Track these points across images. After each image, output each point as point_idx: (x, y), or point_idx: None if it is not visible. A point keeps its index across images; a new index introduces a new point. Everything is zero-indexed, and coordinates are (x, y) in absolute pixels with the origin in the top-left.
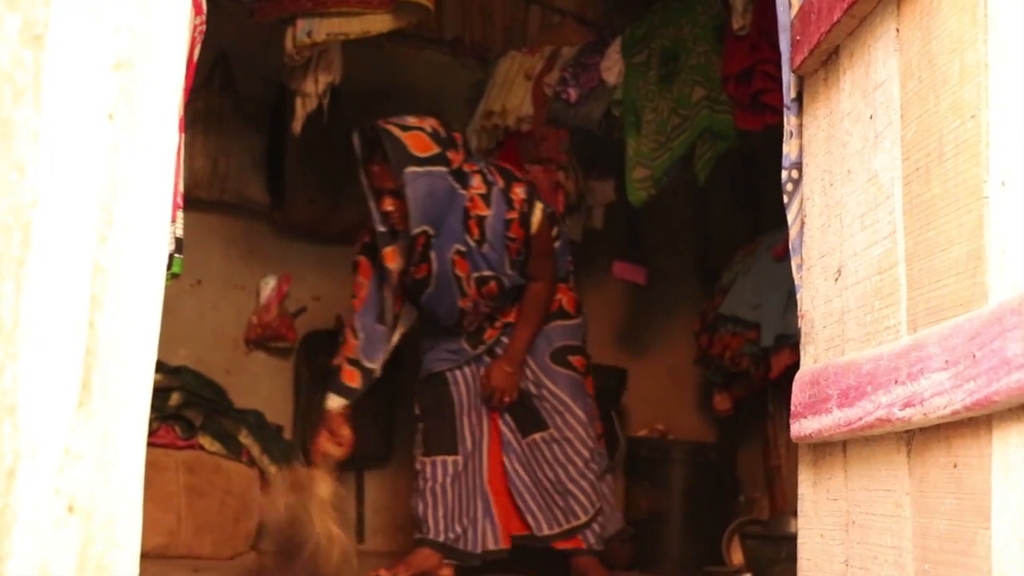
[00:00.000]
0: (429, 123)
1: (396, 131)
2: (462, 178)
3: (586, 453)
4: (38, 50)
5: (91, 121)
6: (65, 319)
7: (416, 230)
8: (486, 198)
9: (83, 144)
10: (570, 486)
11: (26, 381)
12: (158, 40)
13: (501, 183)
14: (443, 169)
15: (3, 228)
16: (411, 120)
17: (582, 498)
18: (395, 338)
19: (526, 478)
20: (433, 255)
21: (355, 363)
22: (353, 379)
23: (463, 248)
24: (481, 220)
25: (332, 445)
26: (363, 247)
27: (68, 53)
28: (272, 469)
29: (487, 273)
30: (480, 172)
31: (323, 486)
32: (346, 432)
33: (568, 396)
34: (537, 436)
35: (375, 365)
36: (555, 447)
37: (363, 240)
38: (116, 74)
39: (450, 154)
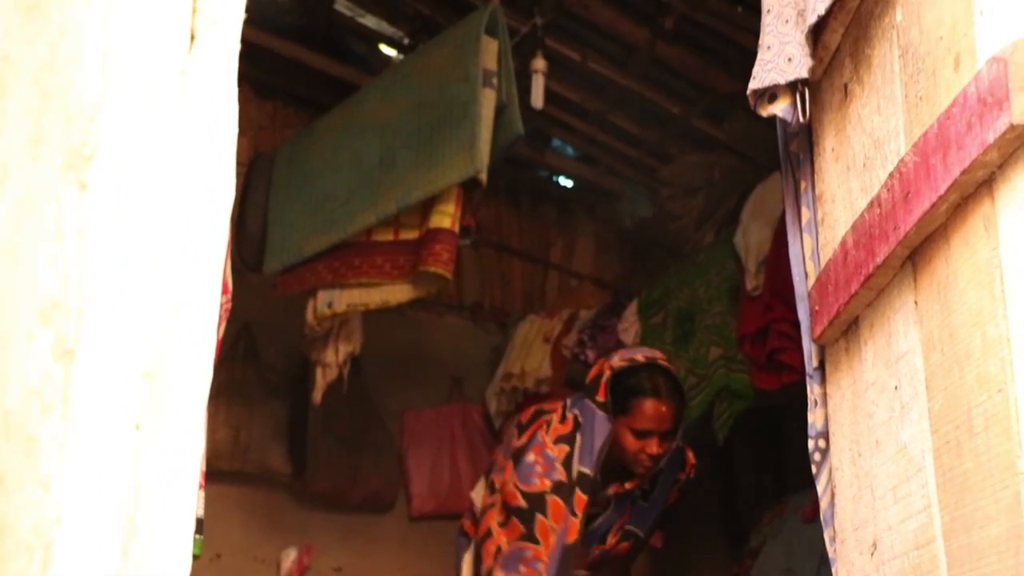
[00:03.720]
0: None
1: (672, 371)
2: None
3: None
4: (68, 364)
5: (118, 432)
6: None
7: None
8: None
9: (109, 455)
10: None
11: None
12: (187, 346)
13: (679, 441)
14: None
15: (25, 548)
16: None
17: None
18: None
19: None
20: (609, 487)
21: None
22: None
23: (636, 495)
24: (657, 474)
25: None
26: (555, 485)
27: (98, 366)
28: None
29: (634, 529)
30: None
31: None
32: None
33: None
34: None
35: None
36: None
37: (553, 476)
38: (144, 383)
39: None
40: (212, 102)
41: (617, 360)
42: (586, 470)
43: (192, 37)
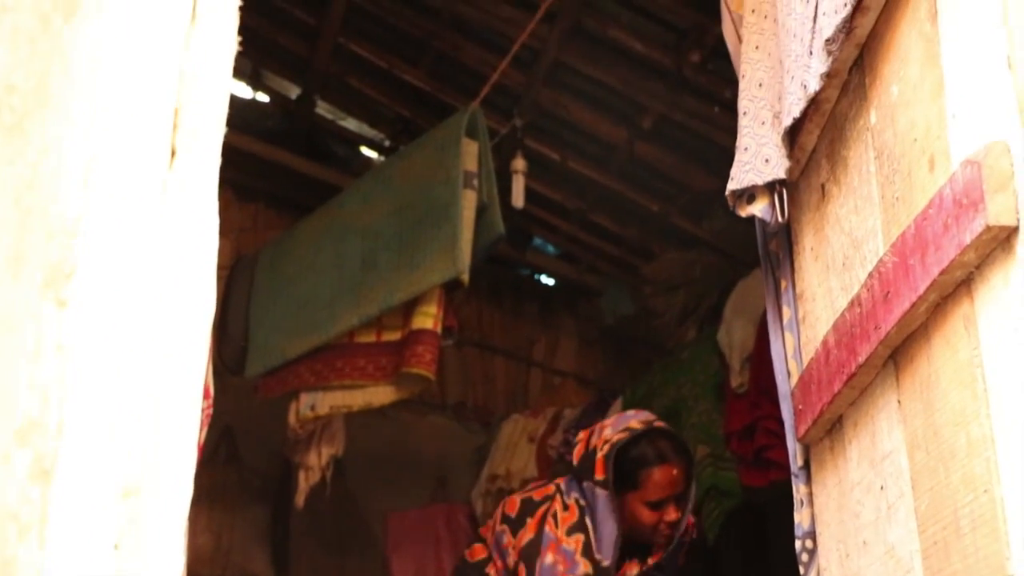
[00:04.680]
0: None
1: (671, 431)
2: None
3: None
4: (46, 485)
5: (96, 553)
6: None
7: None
8: None
9: None
10: None
11: None
12: (167, 462)
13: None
14: None
15: None
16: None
17: None
18: None
19: None
20: (627, 566)
21: None
22: None
23: (645, 565)
24: (668, 540)
25: None
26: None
27: (76, 486)
28: None
29: None
30: None
31: None
32: None
33: None
34: None
35: None
36: None
37: (577, 571)
38: (124, 502)
39: None
40: (193, 215)
41: (611, 432)
42: (605, 560)
43: (172, 152)
